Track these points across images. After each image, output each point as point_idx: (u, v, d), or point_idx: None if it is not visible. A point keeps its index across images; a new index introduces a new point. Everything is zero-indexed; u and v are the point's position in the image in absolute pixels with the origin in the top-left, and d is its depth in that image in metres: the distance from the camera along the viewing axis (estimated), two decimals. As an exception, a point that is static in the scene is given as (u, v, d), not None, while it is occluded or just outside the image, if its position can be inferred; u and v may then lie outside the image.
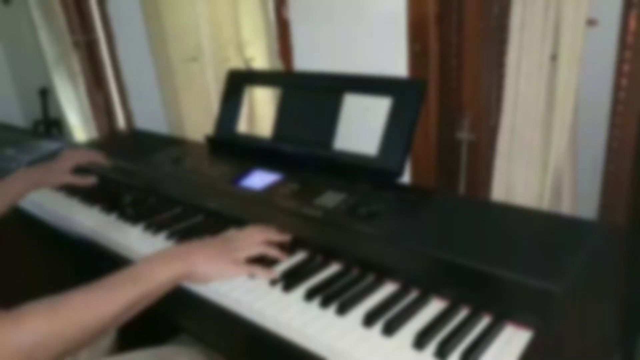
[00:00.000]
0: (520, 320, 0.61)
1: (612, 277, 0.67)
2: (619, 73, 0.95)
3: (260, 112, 1.55)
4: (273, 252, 0.80)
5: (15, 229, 1.13)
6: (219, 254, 0.78)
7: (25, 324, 0.60)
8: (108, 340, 1.03)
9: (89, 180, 1.18)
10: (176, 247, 0.81)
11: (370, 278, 0.73)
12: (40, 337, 0.60)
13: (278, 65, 1.43)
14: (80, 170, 1.21)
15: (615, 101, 0.97)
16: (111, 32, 2.01)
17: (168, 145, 1.37)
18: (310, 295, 0.70)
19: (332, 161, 1.04)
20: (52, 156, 1.45)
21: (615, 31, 0.94)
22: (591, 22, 0.90)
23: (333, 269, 0.78)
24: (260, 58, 1.54)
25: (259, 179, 1.06)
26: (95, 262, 0.74)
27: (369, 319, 0.64)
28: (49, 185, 1.18)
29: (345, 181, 0.98)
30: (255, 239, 0.82)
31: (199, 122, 1.66)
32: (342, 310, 0.66)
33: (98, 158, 1.27)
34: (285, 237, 0.84)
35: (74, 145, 1.44)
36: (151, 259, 0.75)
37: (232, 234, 0.85)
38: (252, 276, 0.76)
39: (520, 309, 0.62)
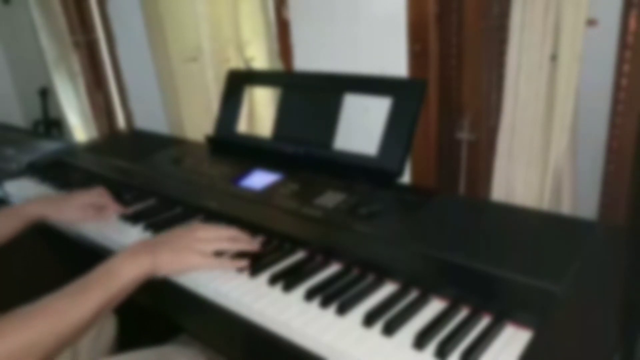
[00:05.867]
0: (520, 320, 0.61)
1: (612, 277, 0.67)
2: (619, 73, 0.95)
3: (260, 112, 1.55)
4: (242, 246, 0.80)
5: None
6: (185, 247, 0.78)
7: (1, 336, 0.60)
8: (108, 340, 1.03)
9: (108, 212, 1.02)
10: (142, 243, 0.80)
11: (370, 278, 0.73)
12: (17, 347, 0.60)
13: (278, 65, 1.43)
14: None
15: (615, 101, 0.97)
16: (111, 32, 2.01)
17: (168, 145, 1.37)
18: (310, 295, 0.70)
19: (332, 161, 1.04)
20: (51, 156, 1.45)
21: (615, 31, 0.94)
22: (591, 22, 0.90)
23: (333, 269, 0.78)
24: (260, 58, 1.54)
25: (259, 179, 1.06)
26: (95, 262, 0.74)
27: (369, 319, 0.64)
28: (54, 220, 1.03)
29: (345, 181, 0.98)
30: (223, 233, 0.82)
31: (199, 122, 1.66)
32: (342, 310, 0.66)
33: (111, 204, 1.04)
34: (254, 245, 0.83)
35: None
36: (118, 257, 0.75)
37: (200, 225, 0.83)
38: (223, 269, 0.77)
39: (520, 309, 0.62)
